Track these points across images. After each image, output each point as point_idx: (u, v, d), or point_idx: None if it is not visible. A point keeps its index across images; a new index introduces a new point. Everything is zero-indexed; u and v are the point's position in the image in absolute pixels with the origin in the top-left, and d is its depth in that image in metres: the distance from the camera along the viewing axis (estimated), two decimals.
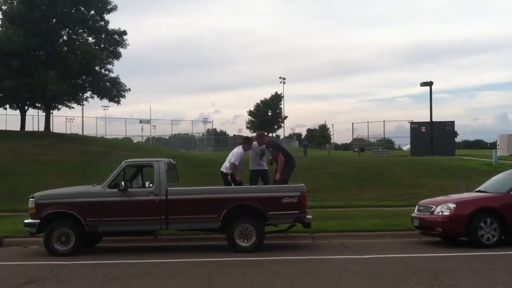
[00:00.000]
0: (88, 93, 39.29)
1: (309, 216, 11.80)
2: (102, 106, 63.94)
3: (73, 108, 40.78)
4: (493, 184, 13.06)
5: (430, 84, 41.41)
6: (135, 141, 61.60)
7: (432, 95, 41.26)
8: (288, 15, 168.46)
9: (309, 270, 9.17)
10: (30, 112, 41.71)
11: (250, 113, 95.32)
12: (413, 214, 12.61)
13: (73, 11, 35.84)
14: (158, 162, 11.83)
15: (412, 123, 42.79)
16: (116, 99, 38.55)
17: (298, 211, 11.49)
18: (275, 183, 12.54)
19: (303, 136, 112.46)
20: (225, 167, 12.95)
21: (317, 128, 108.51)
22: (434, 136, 39.02)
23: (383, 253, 10.89)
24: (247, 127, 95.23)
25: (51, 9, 34.75)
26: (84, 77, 37.39)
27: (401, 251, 11.21)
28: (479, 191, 13.01)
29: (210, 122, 76.57)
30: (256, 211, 11.45)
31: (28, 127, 41.52)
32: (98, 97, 38.88)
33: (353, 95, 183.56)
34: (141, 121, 67.50)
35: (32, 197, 11.56)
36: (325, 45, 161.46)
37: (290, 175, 12.88)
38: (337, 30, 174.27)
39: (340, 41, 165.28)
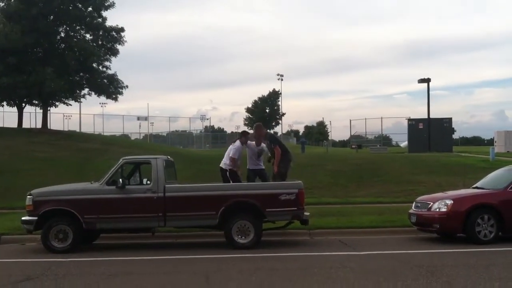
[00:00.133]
0: (86, 90, 39.23)
1: (306, 213, 11.82)
2: (100, 103, 63.76)
3: (70, 105, 40.74)
4: (490, 180, 13.09)
5: (427, 81, 41.40)
6: (132, 138, 61.59)
7: (430, 92, 41.26)
8: (285, 12, 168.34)
9: (306, 267, 9.19)
10: (27, 109, 41.65)
11: (248, 110, 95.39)
12: (411, 211, 12.64)
13: (70, 8, 35.73)
14: (156, 159, 11.82)
15: (409, 119, 42.80)
16: (114, 96, 38.48)
17: (296, 208, 11.49)
18: (274, 178, 12.56)
19: (301, 133, 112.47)
20: (224, 163, 12.96)
21: (315, 125, 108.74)
22: (431, 133, 39.06)
23: (380, 249, 10.92)
24: (245, 124, 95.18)
25: (49, 6, 34.65)
26: (81, 74, 37.31)
27: (398, 247, 11.24)
28: (476, 187, 13.04)
29: (207, 119, 76.49)
30: (254, 208, 11.46)
31: (26, 124, 41.47)
32: (95, 94, 38.84)
33: (350, 92, 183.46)
34: (138, 118, 67.42)
35: (30, 194, 11.56)
36: (322, 42, 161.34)
37: (288, 170, 12.87)
38: (335, 27, 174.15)
39: (338, 38, 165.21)
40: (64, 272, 9.12)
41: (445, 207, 11.72)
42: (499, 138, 42.12)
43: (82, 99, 41.80)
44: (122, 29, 37.64)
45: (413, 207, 12.70)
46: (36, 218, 11.27)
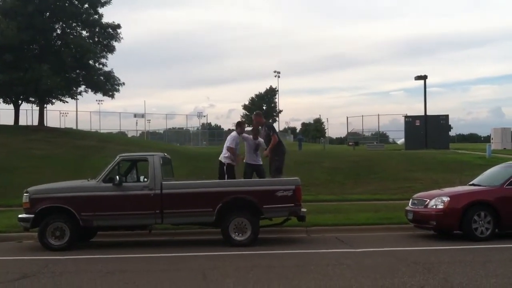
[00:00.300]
0: (82, 87, 39.08)
1: (303, 209, 11.83)
2: (96, 100, 63.85)
3: (67, 102, 40.60)
4: (487, 177, 13.12)
5: (424, 78, 41.47)
6: (129, 135, 61.41)
7: (426, 89, 41.38)
8: (282, 8, 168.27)
9: (303, 264, 9.20)
10: (24, 106, 41.55)
11: (245, 107, 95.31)
12: (407, 208, 12.66)
13: (66, 4, 35.57)
14: (152, 156, 11.81)
15: (406, 116, 42.86)
16: (110, 93, 38.37)
17: (293, 204, 11.50)
18: (272, 173, 12.60)
19: (298, 130, 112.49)
20: (223, 156, 12.99)
21: (311, 122, 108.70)
22: (428, 130, 39.11)
23: (377, 246, 10.93)
24: (238, 121, 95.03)
25: (45, 2, 34.49)
26: (78, 71, 37.17)
27: (395, 244, 11.26)
28: (473, 184, 13.06)
29: (204, 116, 76.69)
30: (251, 205, 11.46)
31: (22, 122, 41.38)
32: (92, 91, 38.70)
33: (347, 89, 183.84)
34: (135, 115, 67.30)
35: (26, 192, 11.53)
36: (319, 39, 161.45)
37: (283, 162, 12.95)
38: (332, 23, 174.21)
39: (335, 34, 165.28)
40: (61, 269, 9.11)
41: (442, 204, 11.74)
42: (496, 135, 42.16)
43: (78, 96, 41.70)
44: (118, 26, 37.54)
45: (409, 204, 12.71)
46: (33, 215, 11.25)
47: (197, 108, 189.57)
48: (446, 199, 11.79)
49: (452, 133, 54.89)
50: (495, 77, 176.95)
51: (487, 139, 54.15)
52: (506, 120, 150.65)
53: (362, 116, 57.19)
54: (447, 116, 41.56)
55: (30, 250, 11.44)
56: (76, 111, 61.50)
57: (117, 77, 38.28)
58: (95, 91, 38.44)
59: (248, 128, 13.53)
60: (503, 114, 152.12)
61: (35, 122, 40.34)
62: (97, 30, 37.29)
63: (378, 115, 57.38)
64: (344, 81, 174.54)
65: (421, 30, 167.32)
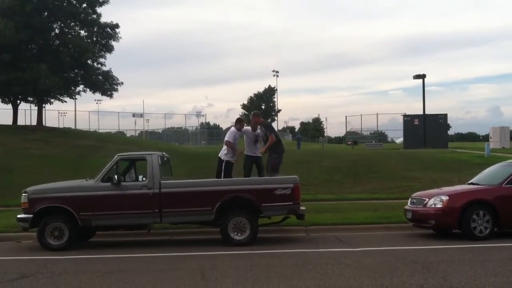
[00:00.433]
0: (81, 87, 39.03)
1: (302, 208, 11.82)
2: (95, 100, 63.78)
3: (65, 102, 40.53)
4: (485, 176, 13.12)
5: (422, 77, 41.47)
6: (128, 135, 61.37)
7: (425, 88, 41.41)
8: (281, 8, 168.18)
9: (302, 263, 9.20)
10: (22, 106, 41.44)
11: (244, 106, 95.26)
12: (406, 207, 12.66)
13: (64, 4, 35.52)
14: (151, 155, 11.80)
15: (405, 116, 42.87)
16: (109, 92, 38.34)
17: (291, 203, 11.50)
18: (268, 172, 12.61)
19: (296, 130, 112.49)
20: (223, 153, 13.00)
21: (310, 121, 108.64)
22: (427, 129, 39.12)
23: (376, 245, 10.93)
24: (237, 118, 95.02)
25: (43, 2, 34.44)
26: (76, 70, 37.12)
27: (394, 243, 11.26)
28: (471, 183, 13.07)
29: (203, 115, 76.55)
30: (250, 203, 11.46)
31: (20, 121, 41.27)
32: (90, 90, 38.65)
33: (346, 88, 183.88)
34: (134, 115, 67.26)
35: (25, 192, 11.52)
36: (318, 38, 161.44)
37: (281, 160, 12.95)
38: (330, 23, 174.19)
39: (334, 34, 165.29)
40: (60, 269, 9.11)
41: (441, 203, 11.74)
42: (494, 134, 42.20)
43: (77, 96, 41.73)
44: (116, 26, 37.51)
45: (408, 203, 12.71)
46: (31, 215, 11.24)
47: (195, 108, 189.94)
48: (445, 198, 11.80)
49: (450, 132, 54.96)
50: (494, 76, 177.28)
51: (486, 138, 54.16)
52: (504, 119, 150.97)
53: (361, 115, 57.15)
54: (445, 115, 41.60)
55: (29, 250, 11.43)
56: (75, 110, 61.53)
57: (116, 77, 38.30)
58: (94, 90, 38.39)
59: (247, 127, 13.51)
60: (501, 113, 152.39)
61: (34, 122, 40.28)
62: (95, 29, 37.26)
63: (377, 114, 57.54)
64: (343, 80, 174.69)
65: (420, 29, 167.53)
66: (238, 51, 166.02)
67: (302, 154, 30.13)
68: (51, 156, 26.59)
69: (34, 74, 32.86)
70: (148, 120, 69.82)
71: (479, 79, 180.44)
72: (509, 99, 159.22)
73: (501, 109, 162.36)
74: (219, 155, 13.14)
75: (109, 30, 37.31)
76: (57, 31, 36.96)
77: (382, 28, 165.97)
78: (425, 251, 10.27)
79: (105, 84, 37.72)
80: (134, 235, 12.75)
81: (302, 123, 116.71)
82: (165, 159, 12.64)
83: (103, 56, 37.82)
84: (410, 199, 12.85)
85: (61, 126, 50.15)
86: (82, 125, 57.76)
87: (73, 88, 38.57)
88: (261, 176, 12.83)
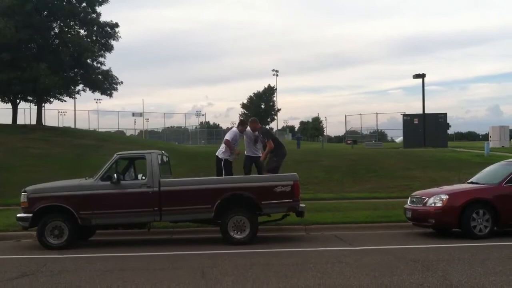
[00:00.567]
0: (80, 86, 39.07)
1: (302, 205, 11.81)
2: (95, 99, 63.79)
3: (65, 101, 40.60)
4: (485, 175, 13.12)
5: (422, 76, 41.45)
6: (128, 134, 61.39)
7: (425, 87, 41.37)
8: (281, 7, 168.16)
9: (302, 262, 9.19)
10: (22, 105, 41.44)
11: (243, 105, 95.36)
12: (406, 206, 12.66)
13: (64, 3, 35.56)
14: (150, 154, 11.79)
15: (404, 115, 42.89)
16: (108, 92, 38.38)
17: (291, 200, 11.49)
18: (268, 172, 12.59)
19: (296, 129, 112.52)
20: (220, 152, 12.97)
21: (310, 120, 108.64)
22: (426, 128, 39.13)
23: (376, 244, 10.93)
24: (240, 119, 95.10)
25: (42, 1, 34.47)
26: (76, 70, 37.15)
27: (394, 242, 11.27)
28: (471, 182, 13.07)
29: (203, 115, 76.33)
30: (250, 201, 11.45)
31: (20, 121, 41.28)
32: (90, 90, 38.68)
33: (346, 88, 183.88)
34: (133, 114, 67.25)
35: (25, 191, 11.52)
36: (318, 37, 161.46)
37: (281, 164, 12.91)
38: (330, 22, 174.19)
39: (333, 33, 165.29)
40: (59, 268, 9.10)
41: (441, 202, 11.75)
42: (494, 133, 42.22)
43: (76, 95, 41.74)
44: (116, 25, 37.53)
45: (408, 202, 12.71)
46: (31, 214, 11.23)
47: (195, 107, 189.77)
48: (444, 197, 11.80)
49: (450, 131, 54.76)
50: (494, 75, 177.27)
51: (486, 137, 54.17)
52: (504, 118, 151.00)
53: (361, 114, 57.15)
54: (445, 114, 41.61)
55: (28, 249, 11.43)
56: (74, 110, 61.54)
57: (115, 76, 38.35)
58: (93, 90, 38.41)
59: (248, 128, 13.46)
60: (501, 112, 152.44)
61: (33, 121, 40.29)
62: (95, 29, 37.28)
63: (377, 113, 57.37)
64: (342, 79, 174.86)
65: (420, 28, 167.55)
66: (238, 50, 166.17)
67: (302, 154, 30.11)
68: (51, 155, 26.59)
69: (33, 73, 32.87)
70: (148, 119, 69.90)
71: (478, 79, 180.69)
72: (509, 98, 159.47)
73: (501, 108, 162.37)
74: (216, 154, 13.12)
75: (108, 29, 37.33)
76: (56, 30, 36.98)
77: (381, 27, 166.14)
78: (425, 250, 10.27)
79: (105, 84, 37.75)
80: (134, 234, 12.75)
81: (301, 123, 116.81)
82: (165, 158, 12.63)
83: (103, 56, 37.89)
84: (410, 198, 12.85)
85: (60, 126, 50.15)
86: (81, 125, 57.88)
87: (72, 87, 38.58)
88: None
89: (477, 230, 11.48)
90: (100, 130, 55.18)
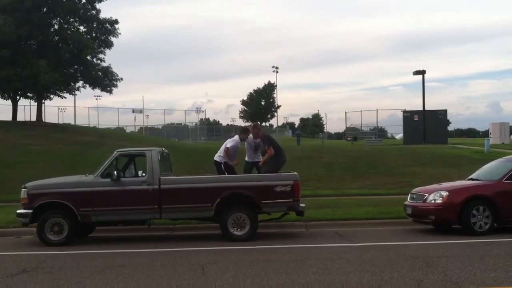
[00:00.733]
0: (80, 83, 39.09)
1: (302, 205, 11.81)
2: (94, 96, 63.62)
3: (65, 98, 40.57)
4: (485, 172, 13.12)
5: (422, 72, 41.42)
6: (128, 131, 61.39)
7: (425, 84, 41.34)
8: (281, 3, 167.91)
9: (302, 258, 9.20)
10: (22, 102, 41.49)
11: (243, 102, 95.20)
12: (406, 202, 12.66)
13: (64, 0, 35.51)
14: (150, 151, 11.78)
15: (404, 111, 42.86)
16: (108, 88, 38.37)
17: (291, 200, 11.50)
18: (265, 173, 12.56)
19: (296, 125, 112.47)
20: (218, 156, 12.94)
21: (310, 117, 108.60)
22: (426, 125, 39.12)
23: (376, 241, 10.94)
24: (240, 117, 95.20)
25: None
26: (75, 66, 37.15)
27: (394, 239, 11.27)
28: (471, 179, 13.07)
29: (203, 111, 76.02)
30: (249, 200, 11.45)
31: (20, 117, 41.27)
32: (90, 86, 38.69)
33: (346, 84, 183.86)
34: (133, 111, 67.21)
35: (25, 187, 11.52)
36: (318, 33, 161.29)
37: (277, 170, 12.76)
38: (330, 18, 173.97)
39: (333, 29, 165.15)
40: (60, 264, 9.11)
41: (441, 198, 11.75)
42: (494, 129, 42.21)
43: (76, 92, 41.73)
44: (116, 21, 37.47)
45: (408, 199, 12.72)
46: (31, 211, 11.24)
47: (195, 104, 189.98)
48: (444, 193, 11.80)
49: (450, 128, 54.82)
50: (494, 72, 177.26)
51: (486, 133, 54.17)
52: (504, 115, 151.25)
53: (361, 111, 57.10)
54: (445, 111, 41.58)
55: (29, 245, 11.43)
56: (74, 106, 61.48)
57: (115, 73, 38.36)
58: (93, 86, 38.41)
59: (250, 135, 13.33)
60: (501, 109, 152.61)
61: (33, 118, 40.29)
62: (94, 25, 37.23)
63: (377, 110, 57.28)
64: (342, 76, 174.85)
65: (420, 25, 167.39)
66: (238, 46, 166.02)
67: (302, 150, 30.11)
68: (51, 152, 26.59)
69: (33, 70, 32.84)
70: (148, 116, 69.90)
71: (479, 75, 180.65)
72: (509, 95, 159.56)
73: (501, 105, 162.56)
74: (214, 158, 13.03)
75: (108, 26, 37.29)
76: (56, 27, 36.94)
77: (382, 23, 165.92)
78: (425, 246, 10.28)
79: (105, 80, 37.74)
80: (134, 230, 12.75)
81: (301, 119, 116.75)
82: (165, 155, 12.62)
83: (103, 52, 37.87)
84: (410, 194, 12.86)
85: (60, 122, 50.13)
86: (81, 121, 57.78)
87: (72, 84, 38.58)
88: None
89: (477, 227, 11.48)
90: (100, 126, 55.17)
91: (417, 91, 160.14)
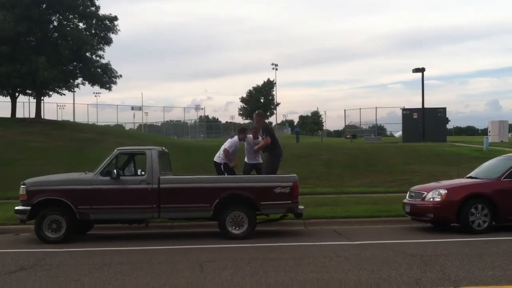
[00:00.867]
0: (79, 80, 38.99)
1: (301, 207, 11.79)
2: (94, 93, 63.58)
3: (64, 94, 40.51)
4: (484, 170, 13.13)
5: (422, 70, 41.43)
6: (127, 128, 61.29)
7: (424, 82, 41.36)
8: (280, 1, 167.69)
9: (300, 256, 9.20)
10: (21, 98, 41.33)
11: (243, 100, 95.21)
12: (405, 200, 12.67)
13: None
14: (150, 150, 11.77)
15: (404, 109, 42.91)
16: (108, 85, 38.33)
17: (290, 201, 11.49)
18: (265, 173, 12.56)
19: (295, 123, 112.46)
20: (218, 156, 12.93)
21: (309, 115, 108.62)
22: (425, 123, 39.16)
23: (374, 239, 10.95)
24: (240, 114, 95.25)
25: None
26: (75, 63, 37.07)
27: (392, 237, 11.28)
28: (470, 177, 13.08)
29: (202, 109, 76.58)
30: (248, 201, 11.45)
31: (19, 114, 41.19)
32: (89, 83, 38.62)
33: (345, 82, 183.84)
34: (133, 108, 67.15)
35: (23, 184, 11.50)
36: (318, 31, 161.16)
37: (277, 164, 12.77)
38: (330, 16, 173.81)
39: (333, 27, 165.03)
40: (58, 262, 9.11)
41: (439, 196, 11.75)
42: (493, 127, 42.25)
43: (75, 89, 41.63)
44: (115, 18, 37.42)
45: (407, 197, 12.72)
46: (29, 207, 11.22)
47: (194, 101, 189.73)
48: (443, 191, 11.80)
49: (449, 125, 54.86)
50: (493, 69, 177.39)
51: (485, 131, 54.24)
52: (503, 113, 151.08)
53: (360, 109, 57.18)
54: (444, 109, 41.65)
55: (27, 243, 11.42)
56: (73, 103, 61.33)
57: (114, 70, 38.29)
58: (92, 83, 38.36)
59: (249, 135, 13.30)
60: (500, 107, 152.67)
61: (32, 115, 40.25)
62: (94, 22, 37.17)
63: (376, 108, 57.44)
64: (342, 73, 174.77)
65: (420, 22, 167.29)
66: (237, 44, 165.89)
67: (301, 148, 30.11)
68: (50, 149, 26.57)
69: (32, 66, 32.78)
70: (147, 113, 69.81)
71: (478, 73, 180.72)
72: (508, 93, 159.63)
73: (500, 103, 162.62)
74: (214, 159, 13.02)
75: (107, 22, 37.23)
76: (55, 23, 36.87)
77: (381, 21, 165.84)
78: (424, 245, 10.28)
79: (104, 77, 37.69)
80: (132, 228, 12.73)
81: (301, 117, 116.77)
82: (164, 154, 12.61)
83: (102, 49, 37.81)
84: (408, 192, 12.86)
85: (59, 119, 50.10)
86: (80, 118, 57.72)
87: (71, 80, 38.51)
88: None
89: (476, 225, 11.49)
90: (99, 123, 55.11)
91: (416, 89, 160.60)
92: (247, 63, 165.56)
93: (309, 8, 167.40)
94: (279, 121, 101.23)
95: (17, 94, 38.58)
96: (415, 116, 40.37)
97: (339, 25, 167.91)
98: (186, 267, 8.48)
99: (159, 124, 67.83)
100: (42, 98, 38.85)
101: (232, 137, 13.32)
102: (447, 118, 41.77)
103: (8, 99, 39.07)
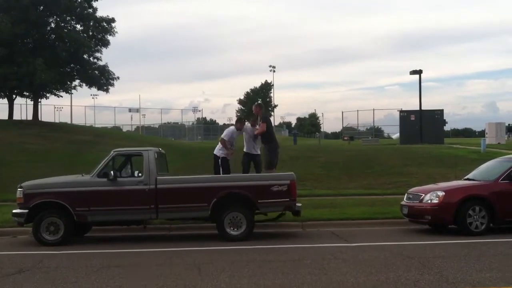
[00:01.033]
0: (77, 82, 39.04)
1: (298, 204, 11.82)
2: (91, 95, 63.82)
3: (61, 96, 40.56)
4: (481, 172, 13.14)
5: (419, 72, 41.45)
6: (124, 130, 61.27)
7: (422, 84, 41.36)
8: (278, 2, 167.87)
9: (298, 258, 9.20)
10: (18, 100, 41.38)
11: (240, 101, 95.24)
12: (402, 202, 12.67)
13: None
14: (147, 151, 11.77)
15: (401, 111, 42.90)
16: (105, 87, 38.34)
17: (288, 199, 11.51)
18: (266, 168, 12.62)
19: (293, 125, 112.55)
20: (217, 149, 12.99)
21: (307, 116, 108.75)
22: (423, 125, 39.19)
23: (372, 241, 10.95)
24: (237, 116, 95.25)
25: None
26: (72, 65, 37.08)
27: (390, 239, 11.28)
28: (467, 179, 13.09)
29: (200, 111, 76.45)
30: (246, 200, 11.45)
31: (16, 116, 41.22)
32: (86, 85, 38.64)
33: (343, 84, 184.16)
34: (130, 110, 67.10)
35: (20, 187, 11.48)
36: (315, 33, 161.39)
37: (276, 158, 12.91)
38: (327, 18, 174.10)
39: (330, 29, 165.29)
40: (55, 264, 9.09)
41: (437, 198, 11.76)
42: (490, 129, 42.29)
43: (73, 91, 41.69)
44: (112, 20, 37.43)
45: (404, 199, 12.73)
46: (27, 210, 11.20)
47: (192, 103, 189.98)
48: (441, 193, 11.81)
49: (447, 127, 54.90)
50: (491, 71, 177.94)
51: (482, 133, 54.29)
52: (500, 115, 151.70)
53: (358, 110, 57.14)
54: (442, 110, 41.65)
55: (25, 245, 11.40)
56: (71, 105, 61.33)
57: (112, 72, 38.31)
58: (90, 85, 38.37)
59: (247, 124, 13.53)
60: (497, 109, 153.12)
61: (29, 117, 40.24)
62: (91, 24, 37.18)
63: (373, 109, 57.28)
64: (339, 75, 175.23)
65: (417, 24, 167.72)
66: (235, 46, 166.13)
67: (298, 150, 30.11)
68: (47, 151, 26.52)
69: (30, 68, 32.76)
70: (145, 115, 69.86)
71: (476, 75, 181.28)
72: (506, 95, 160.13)
73: (497, 104, 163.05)
74: (214, 153, 13.11)
75: (105, 24, 37.23)
76: (53, 25, 36.87)
77: (379, 23, 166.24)
78: (421, 247, 10.29)
79: (101, 79, 37.69)
80: (130, 230, 12.72)
81: (298, 119, 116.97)
82: (161, 155, 12.61)
83: (99, 51, 37.86)
84: (406, 194, 12.87)
85: (57, 121, 50.13)
86: (78, 120, 57.67)
87: (69, 82, 38.52)
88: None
89: (473, 227, 11.51)
90: (96, 125, 55.07)
91: (413, 91, 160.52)
92: (245, 65, 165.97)
93: (307, 9, 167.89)
94: (276, 123, 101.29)
95: (14, 96, 38.56)
96: (412, 118, 40.39)
97: (336, 27, 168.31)
98: (184, 269, 8.48)
99: (157, 126, 67.89)
100: (39, 100, 38.83)
101: (228, 126, 13.48)
102: (445, 120, 41.78)
103: (5, 101, 39.07)
